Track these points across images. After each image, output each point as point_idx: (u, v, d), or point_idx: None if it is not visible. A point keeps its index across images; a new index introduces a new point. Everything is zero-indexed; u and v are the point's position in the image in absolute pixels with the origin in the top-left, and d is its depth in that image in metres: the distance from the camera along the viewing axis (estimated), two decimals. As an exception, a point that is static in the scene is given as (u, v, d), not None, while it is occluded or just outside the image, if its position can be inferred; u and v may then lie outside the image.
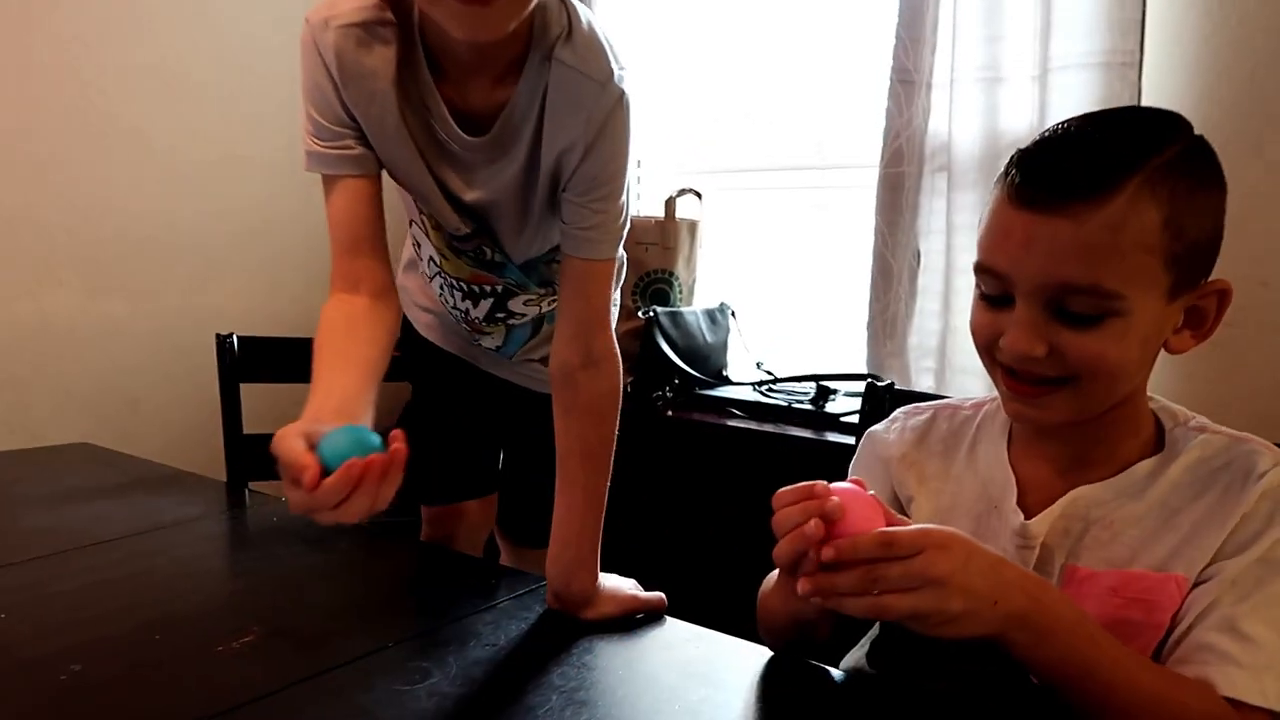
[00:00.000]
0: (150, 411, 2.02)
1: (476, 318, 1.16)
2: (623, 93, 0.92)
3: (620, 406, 0.99)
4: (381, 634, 0.85)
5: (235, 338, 1.44)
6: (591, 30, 0.92)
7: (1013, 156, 0.73)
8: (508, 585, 0.99)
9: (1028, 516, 0.77)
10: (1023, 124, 1.68)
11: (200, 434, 1.93)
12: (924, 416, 0.90)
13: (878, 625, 0.88)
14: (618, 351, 0.99)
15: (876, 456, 0.91)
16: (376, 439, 0.74)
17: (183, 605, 0.92)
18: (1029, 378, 0.73)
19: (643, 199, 2.35)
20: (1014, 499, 0.79)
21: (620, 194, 0.96)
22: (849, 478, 0.91)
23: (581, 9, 0.93)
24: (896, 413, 0.93)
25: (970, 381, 1.74)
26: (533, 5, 0.83)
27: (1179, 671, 0.68)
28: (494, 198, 0.99)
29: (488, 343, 1.21)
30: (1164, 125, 0.72)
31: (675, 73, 2.29)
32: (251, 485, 1.38)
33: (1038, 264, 0.70)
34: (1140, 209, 0.67)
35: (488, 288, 1.11)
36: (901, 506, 0.87)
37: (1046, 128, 0.75)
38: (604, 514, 0.97)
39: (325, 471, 0.70)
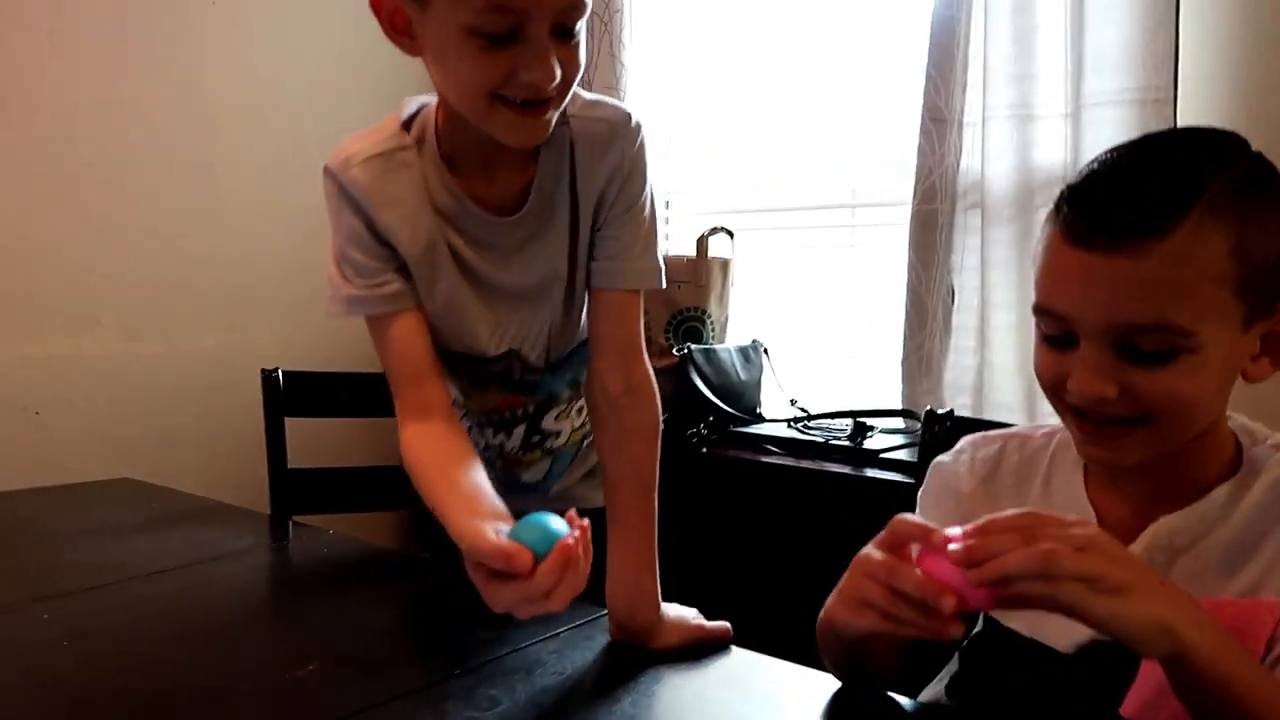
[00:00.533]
0: (187, 449, 2.02)
1: (512, 449, 1.12)
2: (640, 124, 0.98)
3: (661, 438, 0.99)
4: (446, 662, 0.84)
5: (280, 372, 1.45)
6: (588, 91, 0.97)
7: (1063, 192, 0.71)
8: (568, 614, 0.97)
9: None
10: (1056, 161, 1.70)
11: (237, 471, 1.94)
12: (994, 447, 0.87)
13: (956, 659, 0.87)
14: (655, 382, 1.00)
15: (947, 489, 0.88)
16: (562, 523, 0.73)
17: (241, 634, 0.92)
18: (1101, 419, 0.71)
19: (673, 238, 2.37)
20: None
21: (644, 218, 0.99)
22: (917, 509, 0.91)
23: None
24: (963, 443, 0.90)
25: (1008, 418, 1.73)
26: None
27: None
28: (541, 280, 1.00)
29: (528, 476, 1.16)
30: (1221, 146, 0.70)
31: (707, 112, 2.32)
32: (295, 519, 1.38)
33: (1099, 305, 0.67)
34: (1204, 239, 0.65)
35: (519, 410, 1.10)
36: None
37: (1095, 157, 0.72)
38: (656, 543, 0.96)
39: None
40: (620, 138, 0.95)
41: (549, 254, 0.99)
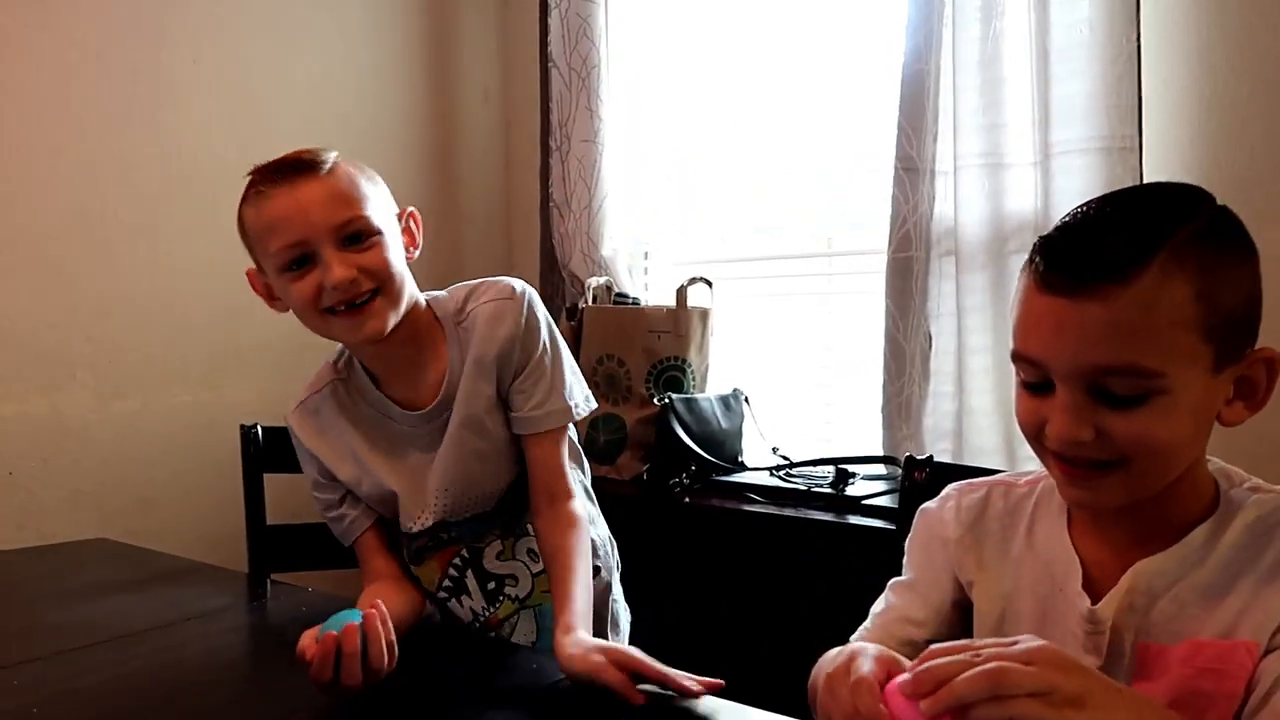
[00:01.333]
0: (165, 508, 2.00)
1: (484, 609, 1.20)
2: (526, 289, 1.16)
3: (581, 533, 1.13)
4: (430, 715, 0.83)
5: (260, 428, 1.44)
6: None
7: (1036, 243, 0.74)
8: (553, 667, 0.97)
9: (1093, 597, 0.76)
10: (1027, 207, 1.73)
11: (215, 529, 1.92)
12: (978, 495, 0.88)
13: None
14: (580, 511, 1.15)
15: (934, 535, 0.89)
16: (358, 614, 0.87)
17: (219, 696, 0.90)
18: (1080, 462, 0.72)
19: (653, 288, 2.39)
20: (1079, 581, 0.77)
21: (546, 367, 1.15)
22: (905, 556, 0.91)
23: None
24: (949, 490, 0.91)
25: (988, 461, 1.74)
26: (407, 302, 1.09)
27: None
28: (466, 456, 1.14)
29: (520, 639, 1.21)
30: (1185, 199, 0.72)
31: (685, 164, 2.35)
32: (273, 576, 1.36)
33: (1071, 349, 0.69)
34: (1168, 285, 0.67)
35: (458, 560, 1.19)
36: (964, 589, 0.86)
37: (1068, 212, 0.75)
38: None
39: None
40: (511, 309, 1.14)
41: (473, 430, 1.14)
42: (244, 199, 1.09)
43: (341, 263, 1.02)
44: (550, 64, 2.33)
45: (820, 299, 2.25)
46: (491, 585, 1.19)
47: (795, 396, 2.23)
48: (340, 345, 1.19)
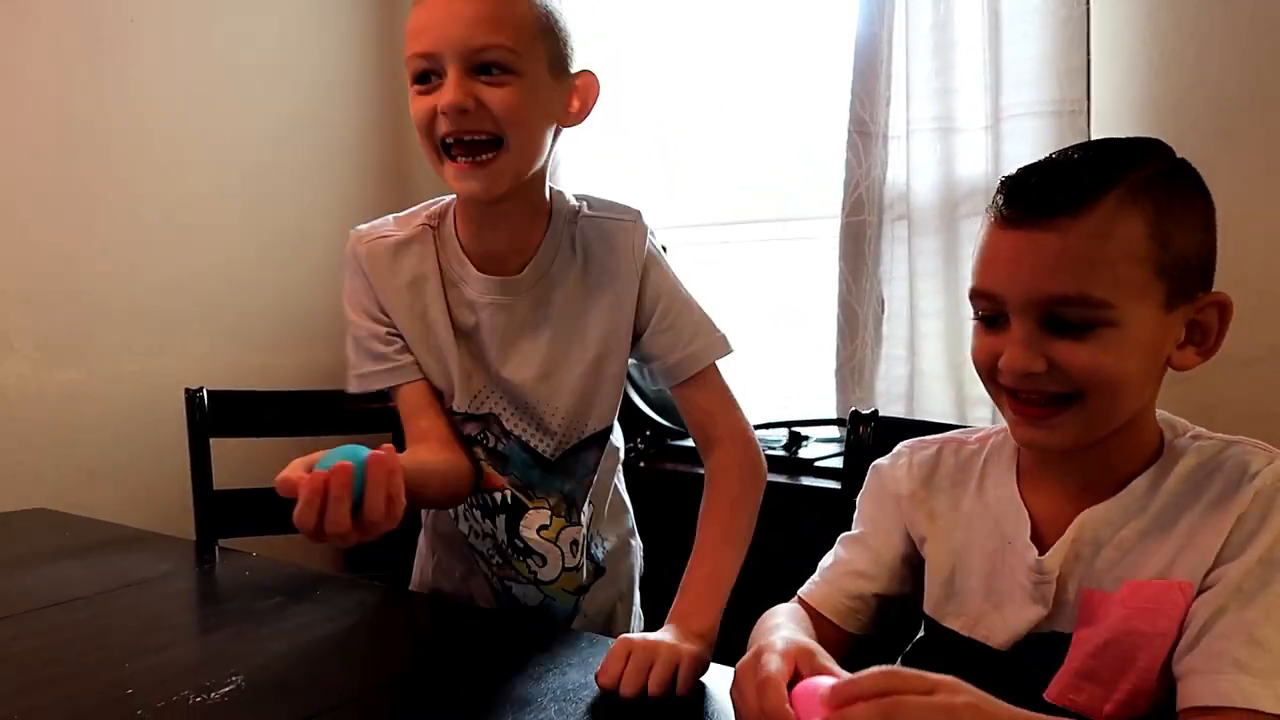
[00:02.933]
0: (109, 478, 1.96)
1: (502, 543, 1.11)
2: (648, 227, 1.07)
3: (755, 483, 1.08)
4: (369, 677, 0.82)
5: (205, 392, 1.42)
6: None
7: (1000, 183, 0.75)
8: (493, 627, 0.96)
9: (1041, 548, 0.77)
10: (978, 171, 1.74)
11: (163, 498, 1.88)
12: (930, 451, 0.89)
13: (899, 663, 0.87)
14: (751, 434, 1.08)
15: (886, 491, 0.89)
16: (363, 452, 0.77)
17: (156, 659, 0.88)
18: (1034, 398, 0.73)
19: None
20: (1028, 533, 0.78)
21: (684, 298, 1.08)
22: (856, 511, 0.91)
23: None
24: (900, 447, 0.91)
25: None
26: (529, 169, 0.98)
27: (1192, 680, 0.67)
28: (541, 357, 1.05)
29: (520, 593, 1.13)
30: (1144, 146, 0.74)
31: (638, 129, 2.33)
32: (221, 542, 1.34)
33: (1027, 279, 0.71)
34: (1123, 218, 0.69)
35: (498, 497, 1.09)
36: (915, 545, 0.87)
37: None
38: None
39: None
40: (629, 235, 1.05)
41: (549, 325, 1.05)
42: None
43: (460, 87, 0.92)
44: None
45: (775, 264, 2.25)
46: (519, 543, 1.10)
47: (749, 360, 2.23)
48: (439, 204, 1.10)
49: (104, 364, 1.97)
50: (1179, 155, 0.75)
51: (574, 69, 1.02)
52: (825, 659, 0.67)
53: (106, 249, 1.97)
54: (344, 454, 0.77)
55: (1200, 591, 0.70)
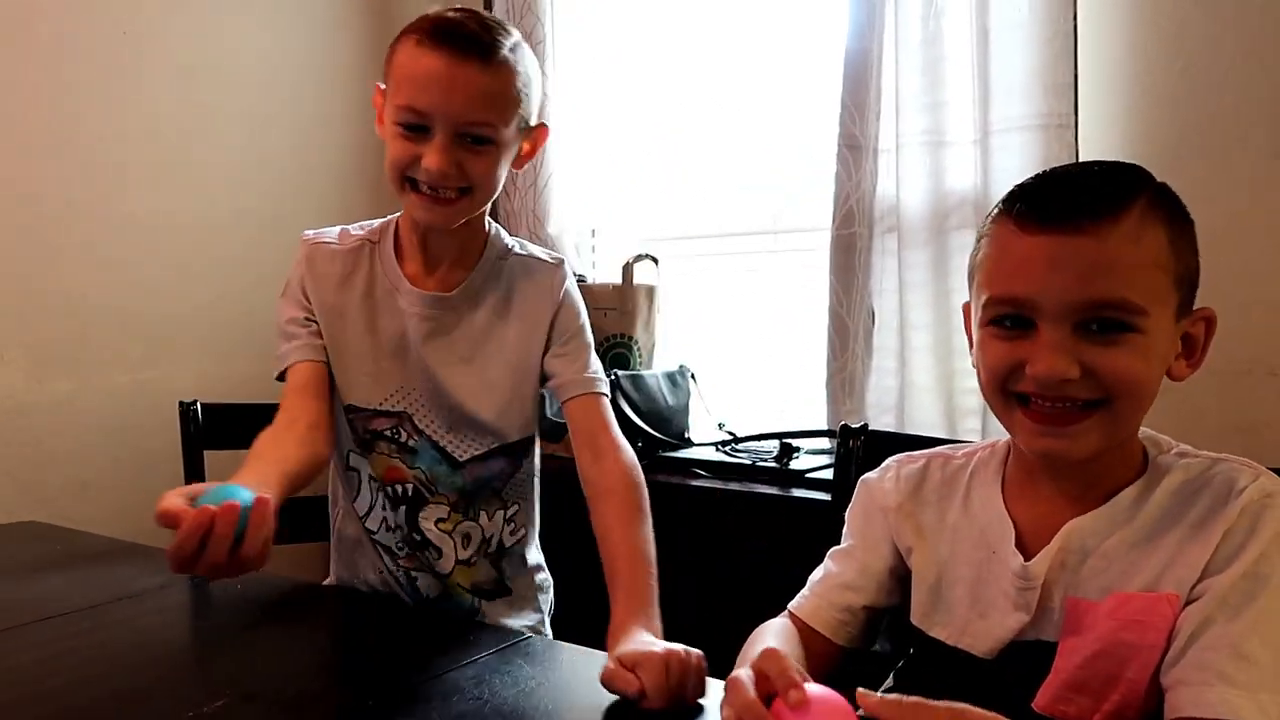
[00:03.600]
0: (102, 491, 1.95)
1: (402, 537, 1.19)
2: (570, 271, 1.21)
3: (644, 491, 1.11)
4: (361, 692, 0.82)
5: (199, 404, 1.42)
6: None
7: (1013, 192, 0.76)
8: (488, 640, 0.96)
9: (1026, 557, 0.78)
10: (967, 184, 1.75)
11: (153, 511, 1.88)
12: (917, 465, 0.90)
13: (891, 678, 0.88)
14: (630, 456, 1.13)
15: (874, 504, 0.90)
16: (247, 495, 0.81)
17: (148, 675, 0.88)
18: (1056, 406, 0.73)
19: (599, 265, 2.38)
20: (1012, 542, 0.79)
21: (589, 345, 1.19)
22: (845, 526, 0.92)
23: None
24: (889, 461, 0.92)
25: (929, 434, 1.76)
26: (481, 209, 1.12)
27: (1179, 692, 0.68)
28: (458, 380, 1.15)
29: (423, 585, 1.20)
30: (1137, 170, 0.76)
31: (631, 141, 2.34)
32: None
33: (1065, 283, 0.71)
34: (1151, 226, 0.72)
35: (400, 489, 1.18)
36: (901, 557, 0.88)
37: (1024, 182, 0.78)
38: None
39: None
40: (549, 275, 1.18)
41: (469, 340, 1.16)
42: (412, 28, 1.06)
43: (444, 154, 1.02)
44: (495, 39, 2.31)
45: (765, 276, 2.26)
46: (417, 538, 1.18)
47: (741, 373, 2.24)
48: (381, 222, 1.21)
49: (96, 376, 1.97)
50: (1165, 170, 0.78)
51: (534, 123, 1.13)
52: (791, 666, 0.65)
53: (99, 261, 1.97)
54: (226, 493, 0.81)
55: (1188, 603, 0.71)
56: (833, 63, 1.87)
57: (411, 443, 1.17)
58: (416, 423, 1.16)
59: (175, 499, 0.82)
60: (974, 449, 0.89)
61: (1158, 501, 0.75)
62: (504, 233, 1.21)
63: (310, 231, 1.21)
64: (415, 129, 1.03)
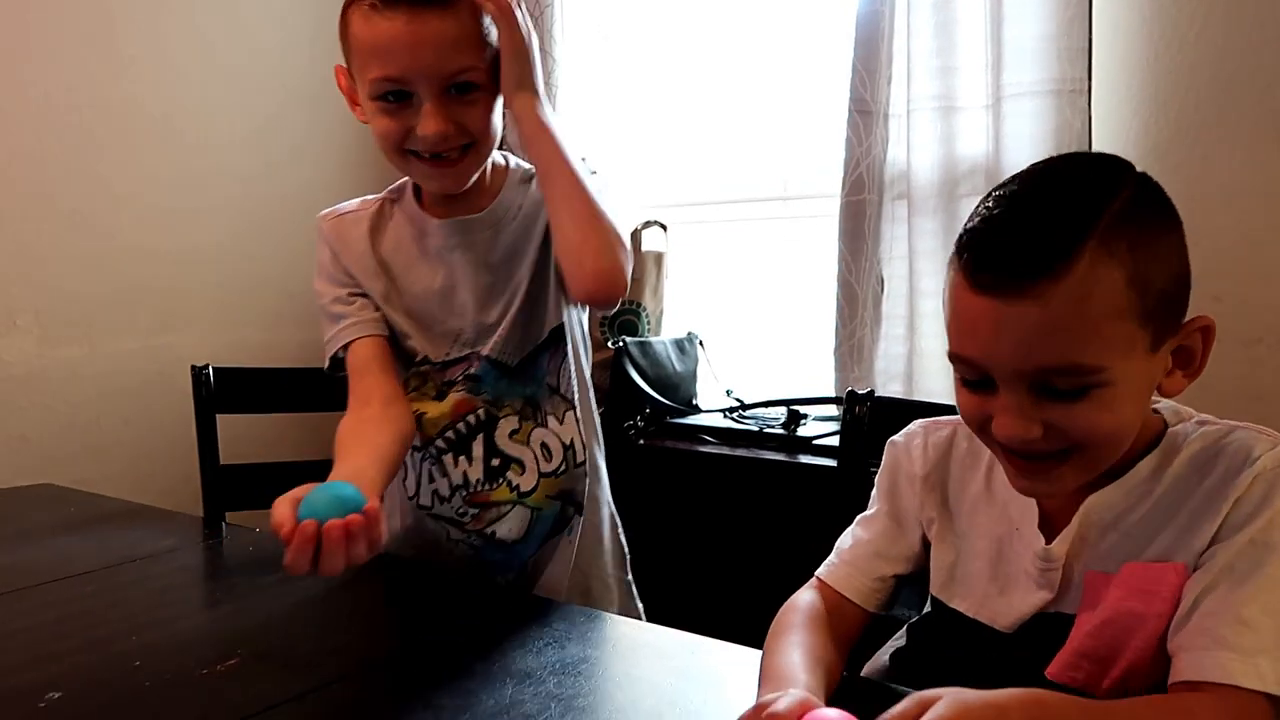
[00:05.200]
0: (115, 455, 1.97)
1: (477, 481, 1.15)
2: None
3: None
4: (370, 652, 0.84)
5: (211, 369, 1.43)
6: None
7: (961, 236, 0.72)
8: (495, 601, 0.98)
9: (1047, 535, 0.77)
10: (978, 150, 1.73)
11: (169, 474, 1.90)
12: (944, 433, 0.88)
13: (904, 633, 0.89)
14: None
15: (903, 473, 0.89)
16: (357, 495, 0.82)
17: (161, 633, 0.90)
18: (1032, 457, 0.72)
19: (608, 233, 2.37)
20: (1035, 521, 0.79)
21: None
22: (874, 489, 0.92)
23: None
24: (915, 427, 0.91)
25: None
26: (489, 157, 1.09)
27: (1180, 657, 0.68)
28: (494, 284, 1.13)
29: (504, 531, 1.16)
30: (1107, 175, 0.70)
31: (639, 107, 2.33)
32: (229, 517, 1.35)
33: (1009, 351, 0.68)
34: (1101, 274, 0.66)
35: (472, 418, 1.14)
36: (922, 526, 0.88)
37: (988, 198, 0.72)
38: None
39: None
40: None
41: (508, 255, 1.13)
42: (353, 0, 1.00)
43: (439, 116, 0.98)
44: (503, 3, 2.29)
45: (775, 243, 2.25)
46: (496, 462, 1.15)
47: (749, 340, 2.24)
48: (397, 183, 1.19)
49: (107, 342, 1.98)
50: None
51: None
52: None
53: (109, 226, 1.98)
54: (329, 493, 0.82)
55: (1195, 571, 0.71)
56: (843, 26, 1.85)
57: (475, 370, 1.14)
58: (480, 350, 1.14)
59: (284, 507, 0.82)
60: None
61: (1174, 472, 0.74)
62: (524, 162, 1.17)
63: (325, 210, 1.19)
64: (396, 98, 0.99)
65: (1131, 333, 0.68)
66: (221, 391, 1.44)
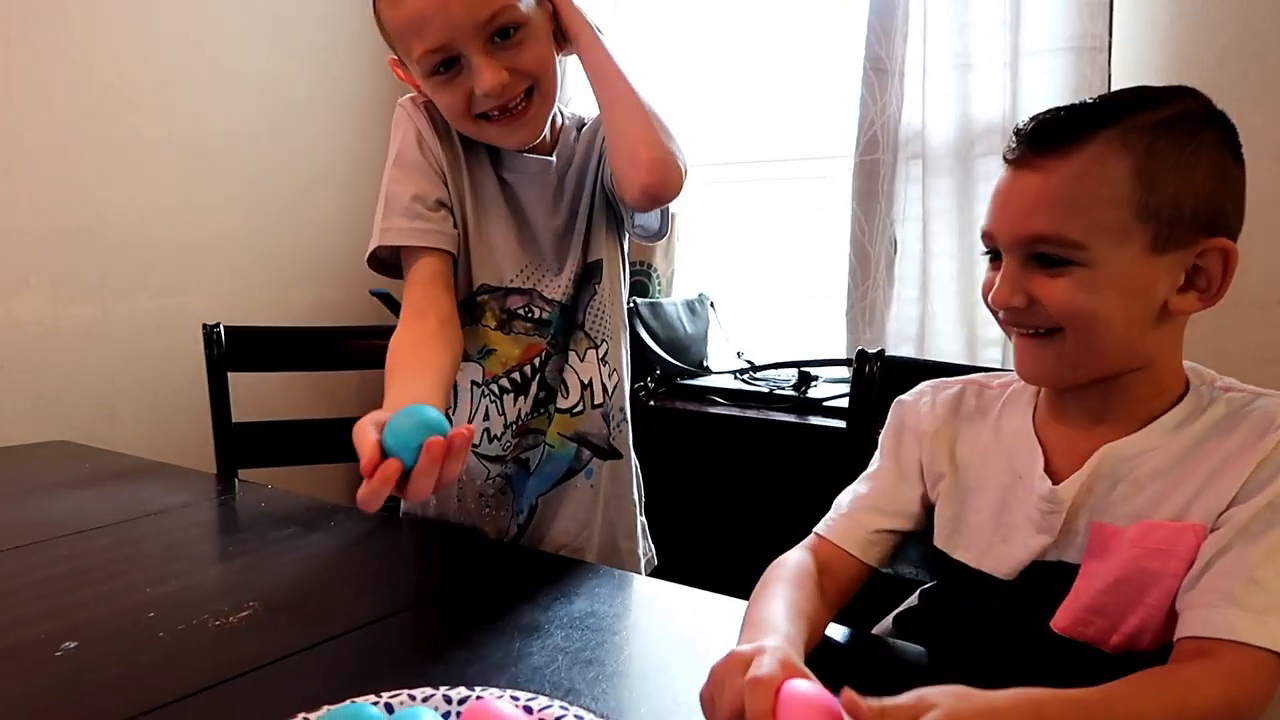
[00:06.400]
0: (127, 413, 1.99)
1: (521, 414, 1.14)
2: None
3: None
4: (383, 604, 0.85)
5: (222, 327, 1.44)
6: None
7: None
8: (503, 556, 0.98)
9: (1056, 481, 0.78)
10: (995, 110, 1.71)
11: (182, 433, 1.92)
12: (953, 391, 0.90)
13: (917, 597, 0.89)
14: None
15: (909, 430, 0.90)
16: (441, 419, 0.78)
17: (175, 585, 0.91)
18: (1024, 331, 0.77)
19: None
20: (1040, 466, 0.79)
21: None
22: (879, 446, 0.92)
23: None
24: (924, 386, 0.92)
25: (949, 365, 1.76)
26: (555, 100, 1.05)
27: (1188, 614, 0.68)
28: (564, 222, 1.12)
29: (535, 457, 1.16)
30: (1168, 93, 0.73)
31: (650, 67, 2.30)
32: (241, 474, 1.36)
33: (1010, 218, 0.75)
34: (1107, 160, 0.70)
35: (536, 359, 1.13)
36: (924, 484, 0.88)
37: None
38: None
39: (387, 452, 0.75)
40: None
41: (570, 200, 1.12)
42: None
43: (491, 67, 0.96)
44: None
45: (788, 203, 2.23)
46: (542, 395, 1.14)
47: (760, 301, 2.23)
48: None
49: (119, 301, 1.99)
50: (1209, 99, 0.74)
51: None
52: (799, 664, 0.61)
53: (122, 187, 1.97)
54: (414, 417, 0.77)
55: (1211, 531, 0.70)
56: (860, -17, 1.81)
57: (545, 315, 1.13)
58: (542, 290, 1.12)
59: (368, 434, 0.77)
60: (1009, 379, 0.88)
61: (1195, 433, 0.74)
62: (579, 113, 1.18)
63: (408, 100, 1.11)
64: (446, 66, 0.98)
65: (1125, 222, 0.71)
66: (233, 350, 1.45)
